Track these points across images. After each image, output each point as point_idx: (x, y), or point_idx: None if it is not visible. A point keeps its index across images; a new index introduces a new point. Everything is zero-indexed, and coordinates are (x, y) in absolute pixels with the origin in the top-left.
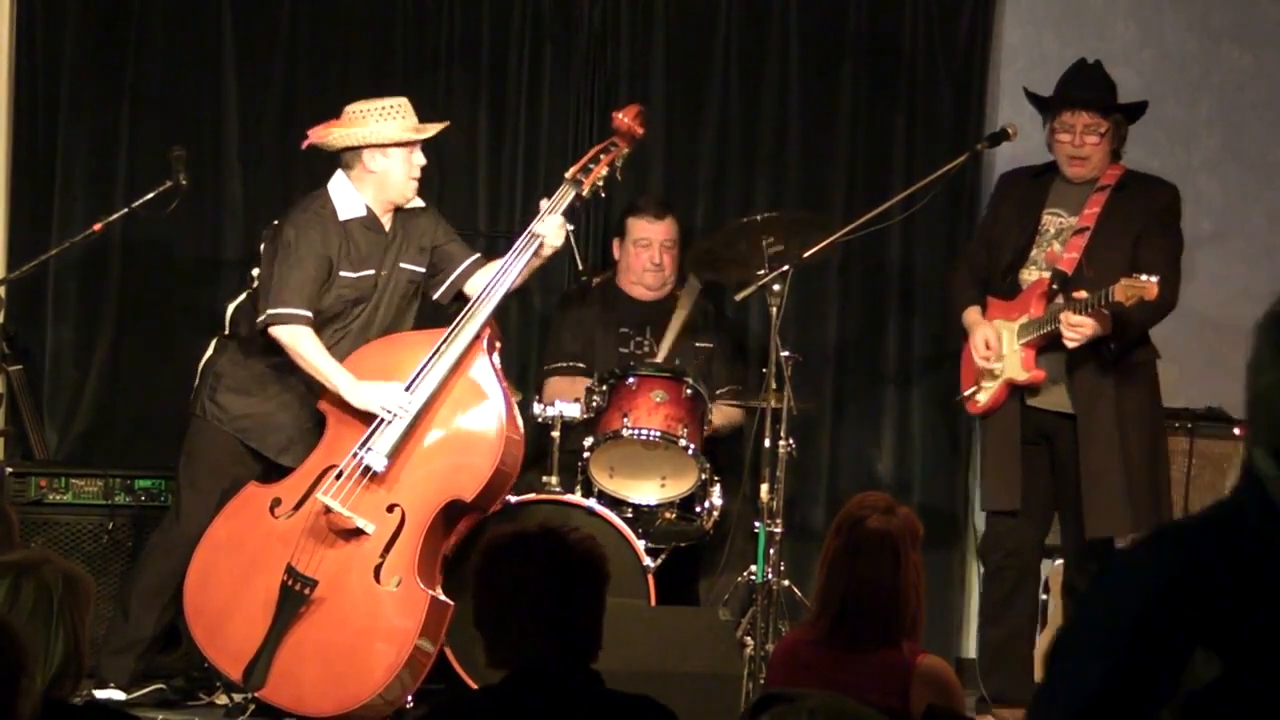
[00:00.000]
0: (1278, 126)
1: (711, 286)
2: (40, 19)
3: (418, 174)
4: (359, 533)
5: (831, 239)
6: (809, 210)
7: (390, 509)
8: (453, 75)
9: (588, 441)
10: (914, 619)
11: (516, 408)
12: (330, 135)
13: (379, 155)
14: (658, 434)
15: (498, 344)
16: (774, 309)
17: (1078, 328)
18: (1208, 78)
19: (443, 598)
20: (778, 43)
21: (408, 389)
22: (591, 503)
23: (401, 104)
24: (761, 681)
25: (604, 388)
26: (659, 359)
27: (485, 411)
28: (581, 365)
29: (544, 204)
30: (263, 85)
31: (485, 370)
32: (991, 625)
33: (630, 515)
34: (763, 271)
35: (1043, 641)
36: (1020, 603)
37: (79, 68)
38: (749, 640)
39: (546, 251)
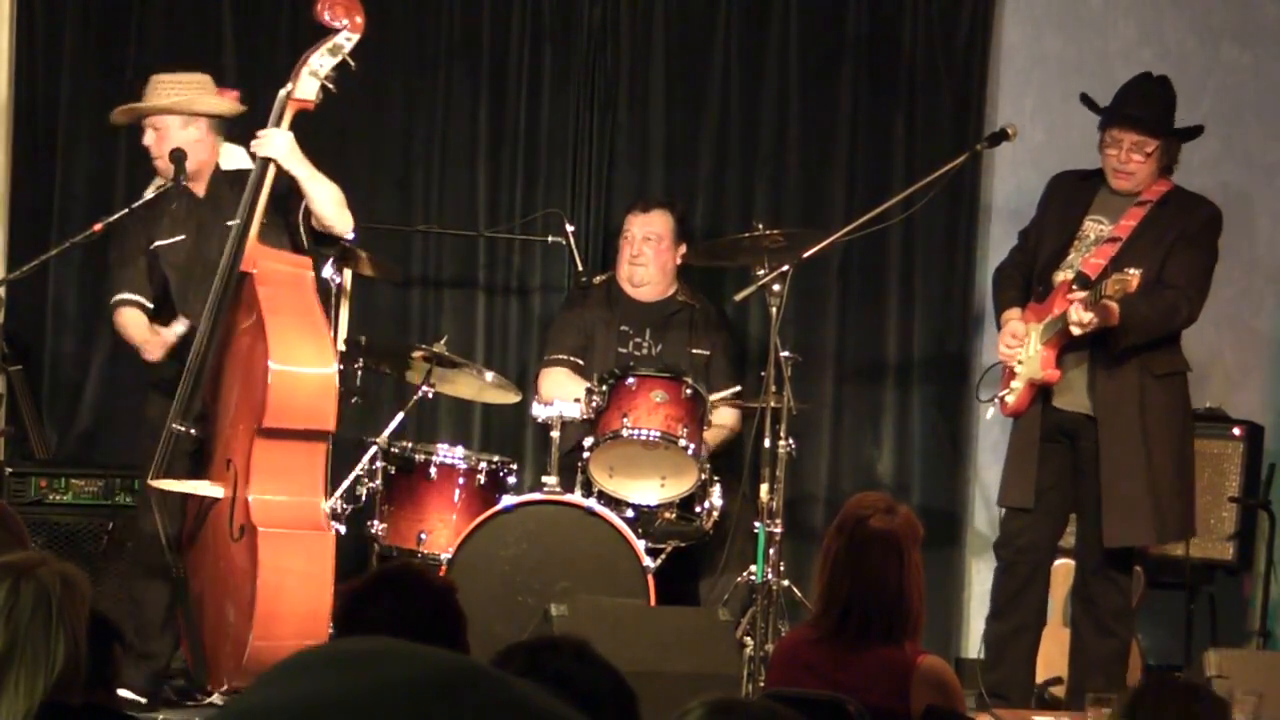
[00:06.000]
0: (1278, 126)
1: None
2: (40, 19)
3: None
4: (217, 501)
5: (831, 239)
6: (807, 227)
7: (228, 465)
8: (453, 75)
9: (587, 441)
10: (916, 618)
11: (318, 325)
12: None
13: (191, 126)
14: (658, 434)
15: (274, 269)
16: (774, 309)
17: (1081, 319)
18: (1208, 78)
19: (289, 531)
20: (778, 43)
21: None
22: (591, 503)
23: (204, 80)
24: (761, 682)
25: (604, 388)
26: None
27: (253, 337)
28: (580, 363)
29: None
30: (263, 85)
31: (252, 299)
32: (998, 619)
33: (630, 515)
34: (763, 271)
35: (1042, 641)
36: (1029, 599)
37: (79, 68)
38: (749, 640)
39: (271, 155)
